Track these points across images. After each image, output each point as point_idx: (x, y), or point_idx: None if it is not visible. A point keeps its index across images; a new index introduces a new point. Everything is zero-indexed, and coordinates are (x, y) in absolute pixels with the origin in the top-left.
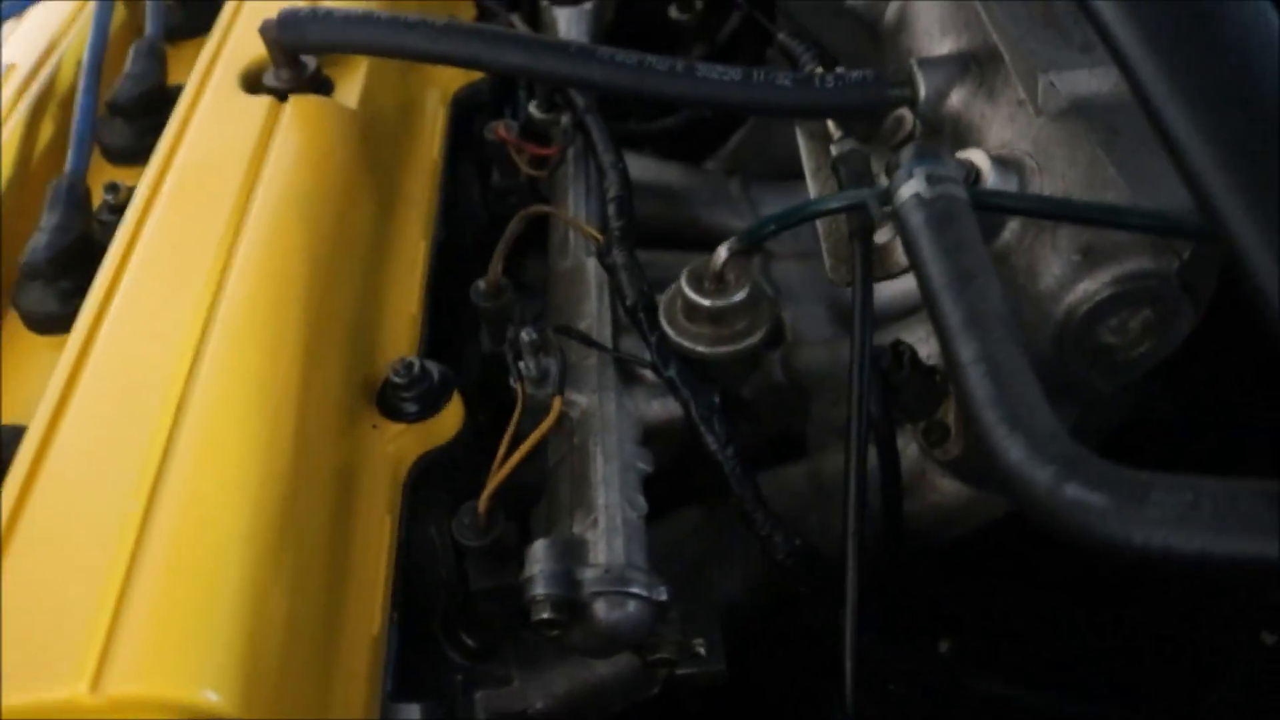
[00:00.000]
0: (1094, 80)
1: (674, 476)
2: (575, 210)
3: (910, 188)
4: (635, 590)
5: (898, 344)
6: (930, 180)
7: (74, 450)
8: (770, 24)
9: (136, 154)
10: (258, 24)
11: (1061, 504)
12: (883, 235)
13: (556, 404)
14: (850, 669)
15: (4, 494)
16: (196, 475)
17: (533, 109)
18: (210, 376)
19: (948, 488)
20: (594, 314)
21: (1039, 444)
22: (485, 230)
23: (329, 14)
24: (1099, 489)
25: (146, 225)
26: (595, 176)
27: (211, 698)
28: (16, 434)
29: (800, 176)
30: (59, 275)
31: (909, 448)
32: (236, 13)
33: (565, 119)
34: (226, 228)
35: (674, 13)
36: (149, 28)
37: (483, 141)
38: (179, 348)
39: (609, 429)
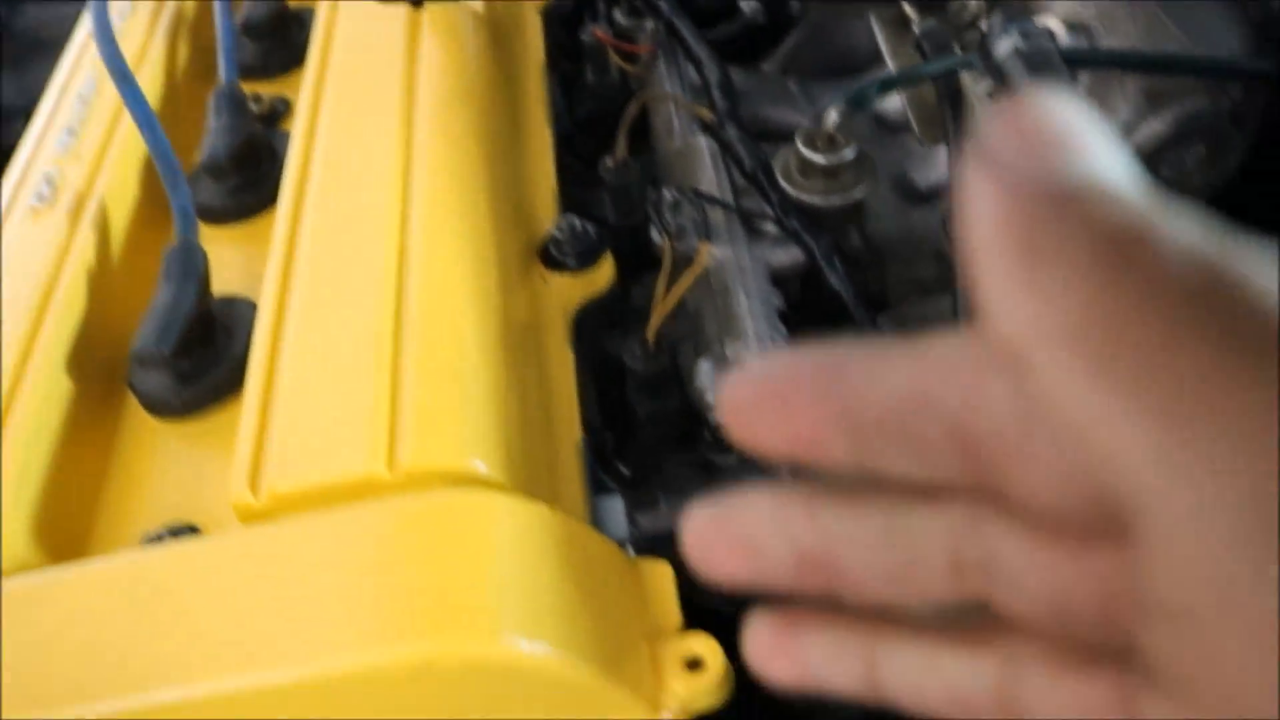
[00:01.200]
0: None
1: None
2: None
3: (1007, 44)
4: None
5: None
6: (1025, 35)
7: (315, 293)
8: None
9: (268, 69)
10: None
11: None
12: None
13: (703, 249)
14: None
15: (260, 327)
16: (430, 297)
17: (618, 16)
18: (423, 235)
19: None
20: (713, 182)
21: None
22: (570, 131)
23: None
24: None
25: (320, 123)
26: (684, 69)
27: (481, 467)
28: (227, 303)
29: (852, 72)
30: (233, 172)
31: None
32: None
33: (650, 24)
34: (401, 119)
35: None
36: None
37: (574, 47)
38: (387, 212)
39: (746, 272)
